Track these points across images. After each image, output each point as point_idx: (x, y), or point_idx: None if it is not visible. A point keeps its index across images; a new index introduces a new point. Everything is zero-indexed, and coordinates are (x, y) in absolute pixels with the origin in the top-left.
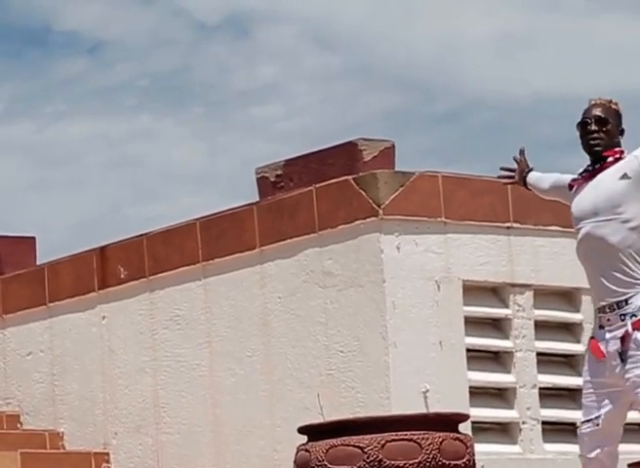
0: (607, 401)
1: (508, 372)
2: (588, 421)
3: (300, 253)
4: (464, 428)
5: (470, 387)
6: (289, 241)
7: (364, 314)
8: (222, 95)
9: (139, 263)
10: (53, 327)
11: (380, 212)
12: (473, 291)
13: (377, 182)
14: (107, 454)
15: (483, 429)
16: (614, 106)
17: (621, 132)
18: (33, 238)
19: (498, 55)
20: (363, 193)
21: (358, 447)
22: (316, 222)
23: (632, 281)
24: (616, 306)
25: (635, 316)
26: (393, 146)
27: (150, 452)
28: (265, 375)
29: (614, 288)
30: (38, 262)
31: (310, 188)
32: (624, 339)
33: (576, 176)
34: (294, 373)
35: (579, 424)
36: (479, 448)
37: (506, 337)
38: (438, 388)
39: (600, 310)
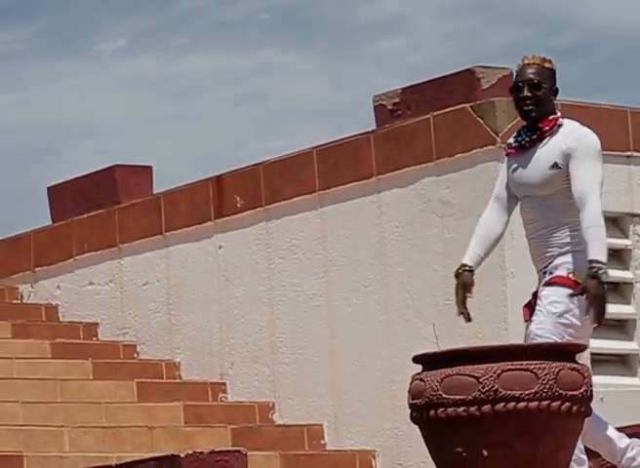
0: None
1: (628, 303)
2: None
3: (417, 182)
4: (583, 360)
5: None
6: (406, 170)
7: None
8: (347, 28)
9: (255, 193)
10: (169, 256)
11: (498, 140)
12: None
13: (494, 110)
14: (224, 384)
15: (602, 361)
16: (547, 65)
17: (555, 92)
18: (150, 167)
19: None
20: (481, 121)
21: (473, 376)
22: (433, 151)
23: (563, 244)
24: (544, 267)
25: (551, 273)
26: (511, 74)
27: (267, 383)
28: (382, 305)
29: (548, 251)
30: (154, 192)
31: (428, 116)
32: (535, 296)
33: (512, 143)
34: (411, 303)
35: None
36: (598, 380)
37: (626, 268)
38: None
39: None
